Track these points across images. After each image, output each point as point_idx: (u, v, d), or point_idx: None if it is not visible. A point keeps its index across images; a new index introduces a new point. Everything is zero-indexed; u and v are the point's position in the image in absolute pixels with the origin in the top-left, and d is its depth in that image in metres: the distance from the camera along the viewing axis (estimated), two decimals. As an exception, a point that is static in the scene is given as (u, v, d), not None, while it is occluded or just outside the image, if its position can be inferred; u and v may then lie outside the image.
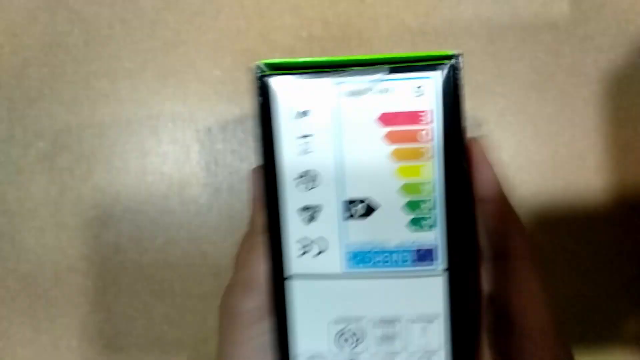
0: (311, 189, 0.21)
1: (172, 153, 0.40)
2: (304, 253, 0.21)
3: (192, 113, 0.40)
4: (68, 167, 0.40)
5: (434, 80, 0.20)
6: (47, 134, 0.39)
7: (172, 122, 0.40)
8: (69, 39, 0.39)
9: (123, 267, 0.41)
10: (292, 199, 0.21)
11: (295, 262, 0.21)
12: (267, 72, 0.20)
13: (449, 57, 0.20)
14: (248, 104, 0.40)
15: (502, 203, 0.23)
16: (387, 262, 0.21)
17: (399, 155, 0.20)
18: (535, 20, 0.41)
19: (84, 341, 0.42)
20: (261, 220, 0.24)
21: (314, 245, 0.21)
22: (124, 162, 0.40)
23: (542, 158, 0.41)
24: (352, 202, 0.21)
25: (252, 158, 0.40)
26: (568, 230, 0.41)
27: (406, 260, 0.21)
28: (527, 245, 0.23)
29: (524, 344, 0.22)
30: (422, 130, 0.20)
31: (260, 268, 0.23)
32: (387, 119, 0.20)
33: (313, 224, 0.21)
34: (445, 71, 0.20)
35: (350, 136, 0.20)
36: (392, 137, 0.20)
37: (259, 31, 0.39)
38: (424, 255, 0.21)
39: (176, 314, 0.42)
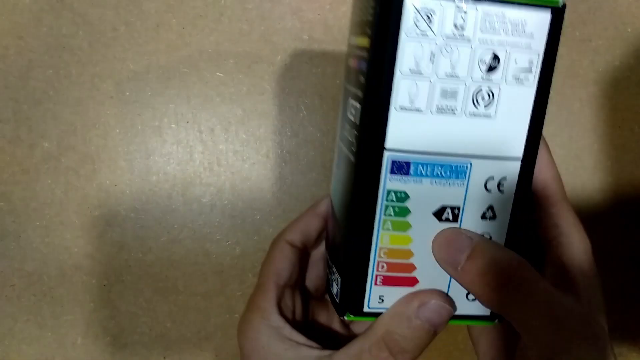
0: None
1: (176, 153, 0.41)
2: None
3: (195, 114, 0.40)
4: (73, 167, 0.40)
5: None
6: (52, 135, 0.40)
7: (175, 123, 0.40)
8: (73, 41, 0.39)
9: (127, 265, 0.41)
10: None
11: None
12: None
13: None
14: (250, 105, 0.41)
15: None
16: None
17: None
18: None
19: (89, 338, 0.42)
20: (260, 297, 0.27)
21: None
22: (128, 162, 0.40)
23: (539, 158, 0.42)
24: None
25: (254, 158, 0.41)
26: (565, 230, 0.42)
27: None
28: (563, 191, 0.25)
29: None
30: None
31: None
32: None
33: None
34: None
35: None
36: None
37: (261, 34, 0.40)
38: None
39: (179, 312, 0.42)
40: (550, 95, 0.23)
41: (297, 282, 0.29)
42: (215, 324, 0.43)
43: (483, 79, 0.22)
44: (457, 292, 0.25)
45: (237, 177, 0.41)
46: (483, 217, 0.24)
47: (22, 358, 0.42)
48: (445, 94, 0.22)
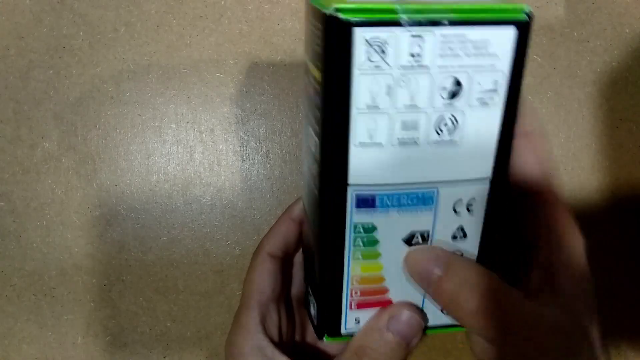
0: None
1: (176, 153, 0.41)
2: None
3: (195, 114, 0.40)
4: (73, 167, 0.40)
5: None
6: (52, 135, 0.40)
7: (175, 124, 0.40)
8: (74, 42, 0.39)
9: (127, 265, 0.42)
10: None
11: None
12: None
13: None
14: (250, 105, 0.41)
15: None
16: None
17: None
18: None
19: (89, 338, 0.42)
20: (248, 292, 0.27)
21: None
22: (128, 162, 0.40)
23: (537, 158, 0.42)
24: None
25: (254, 158, 0.41)
26: (563, 229, 0.42)
27: None
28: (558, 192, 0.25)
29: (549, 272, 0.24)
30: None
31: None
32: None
33: None
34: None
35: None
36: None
37: (261, 34, 0.40)
38: None
39: (179, 311, 0.42)
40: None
41: (282, 294, 0.29)
42: (215, 324, 0.43)
43: (445, 106, 0.21)
44: (431, 305, 0.25)
45: (237, 177, 0.41)
46: (454, 237, 0.24)
47: (22, 357, 0.42)
48: (406, 126, 0.21)
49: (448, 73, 0.20)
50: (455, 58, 0.20)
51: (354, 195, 0.22)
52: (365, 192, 0.22)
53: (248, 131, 0.41)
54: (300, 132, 0.41)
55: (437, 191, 0.23)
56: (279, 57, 0.40)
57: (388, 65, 0.20)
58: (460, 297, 0.22)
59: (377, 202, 0.22)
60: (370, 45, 0.19)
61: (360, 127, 0.21)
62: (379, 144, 0.21)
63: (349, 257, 0.24)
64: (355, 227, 0.23)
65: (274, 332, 0.27)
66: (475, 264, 0.23)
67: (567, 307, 0.22)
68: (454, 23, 0.20)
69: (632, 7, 0.43)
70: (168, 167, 0.41)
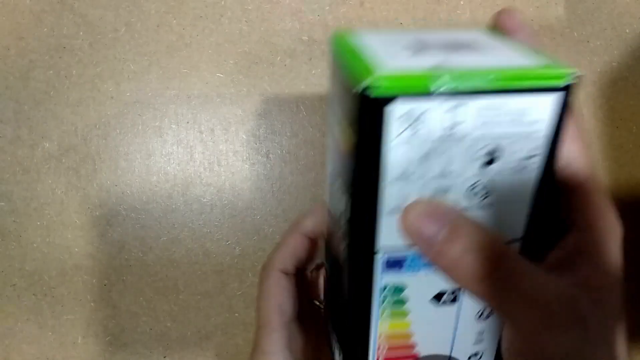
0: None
1: (176, 153, 0.41)
2: None
3: (195, 115, 0.40)
4: (74, 167, 0.40)
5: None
6: (52, 135, 0.40)
7: (176, 124, 0.40)
8: (74, 42, 0.39)
9: (128, 265, 0.42)
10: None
11: None
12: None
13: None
14: (250, 106, 0.41)
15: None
16: None
17: None
18: (531, 24, 0.41)
19: (89, 338, 0.43)
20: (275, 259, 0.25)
21: None
22: (128, 162, 0.40)
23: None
24: None
25: (254, 158, 0.41)
26: (563, 229, 0.42)
27: None
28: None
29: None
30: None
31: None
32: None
33: None
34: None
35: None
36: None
37: (261, 35, 0.40)
38: None
39: (180, 311, 0.42)
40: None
41: (299, 313, 0.28)
42: (215, 323, 0.43)
43: (478, 174, 0.20)
44: (460, 351, 0.24)
45: (237, 177, 0.41)
46: None
47: (22, 357, 0.42)
48: (437, 192, 0.20)
49: (484, 142, 0.20)
50: (492, 127, 0.19)
51: (383, 259, 0.22)
52: (395, 255, 0.22)
53: (248, 131, 0.41)
54: (300, 132, 0.41)
55: None
56: (279, 57, 0.40)
57: (422, 136, 0.19)
58: (463, 262, 0.20)
59: (406, 264, 0.22)
60: (403, 119, 0.19)
61: (392, 196, 0.20)
62: None
63: (377, 315, 0.23)
64: (385, 287, 0.23)
65: (299, 356, 0.26)
66: (481, 226, 0.21)
67: (586, 288, 0.21)
68: (492, 92, 0.19)
69: (632, 7, 0.43)
70: (168, 167, 0.41)
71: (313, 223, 0.29)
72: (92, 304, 0.42)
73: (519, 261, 0.20)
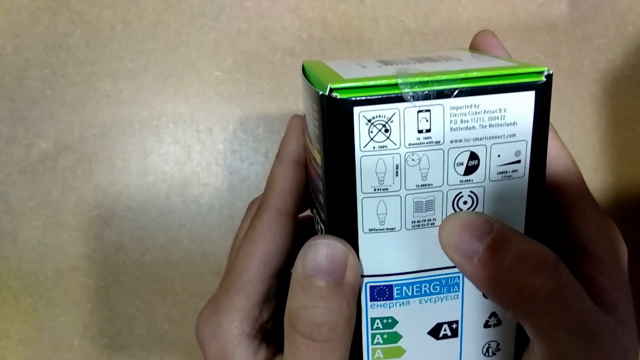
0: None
1: (174, 153, 0.40)
2: None
3: (193, 113, 0.40)
4: (70, 167, 0.40)
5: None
6: (49, 135, 0.40)
7: (173, 123, 0.40)
8: (70, 40, 0.39)
9: (124, 266, 0.41)
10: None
11: None
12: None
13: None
14: (248, 104, 0.40)
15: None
16: None
17: None
18: (534, 22, 0.41)
19: (86, 340, 0.42)
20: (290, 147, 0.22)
21: None
22: (125, 162, 0.40)
23: (540, 158, 0.41)
24: None
25: (252, 158, 0.41)
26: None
27: None
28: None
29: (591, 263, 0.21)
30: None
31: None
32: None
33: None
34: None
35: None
36: None
37: (260, 32, 0.40)
38: None
39: (177, 313, 0.42)
40: (551, 95, 0.21)
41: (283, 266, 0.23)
42: (213, 326, 0.43)
43: (462, 182, 0.19)
44: None
45: (236, 177, 0.41)
46: (486, 325, 0.21)
47: (18, 359, 0.42)
48: (419, 206, 0.19)
49: (462, 147, 0.19)
50: (468, 130, 0.18)
51: (367, 287, 0.20)
52: (380, 282, 0.20)
53: (247, 130, 0.41)
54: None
55: (463, 275, 0.20)
56: (278, 56, 0.40)
57: (394, 144, 0.18)
58: (510, 275, 0.18)
59: (395, 293, 0.20)
60: (373, 124, 0.18)
61: (369, 212, 0.19)
62: (392, 229, 0.19)
63: (368, 356, 0.21)
64: (373, 322, 0.21)
65: (266, 315, 0.23)
66: (532, 239, 0.19)
67: (620, 324, 0.20)
68: (464, 93, 0.18)
69: (636, 5, 0.42)
70: (165, 167, 0.40)
71: (297, 144, 0.24)
72: (88, 305, 0.42)
73: (570, 279, 0.18)
